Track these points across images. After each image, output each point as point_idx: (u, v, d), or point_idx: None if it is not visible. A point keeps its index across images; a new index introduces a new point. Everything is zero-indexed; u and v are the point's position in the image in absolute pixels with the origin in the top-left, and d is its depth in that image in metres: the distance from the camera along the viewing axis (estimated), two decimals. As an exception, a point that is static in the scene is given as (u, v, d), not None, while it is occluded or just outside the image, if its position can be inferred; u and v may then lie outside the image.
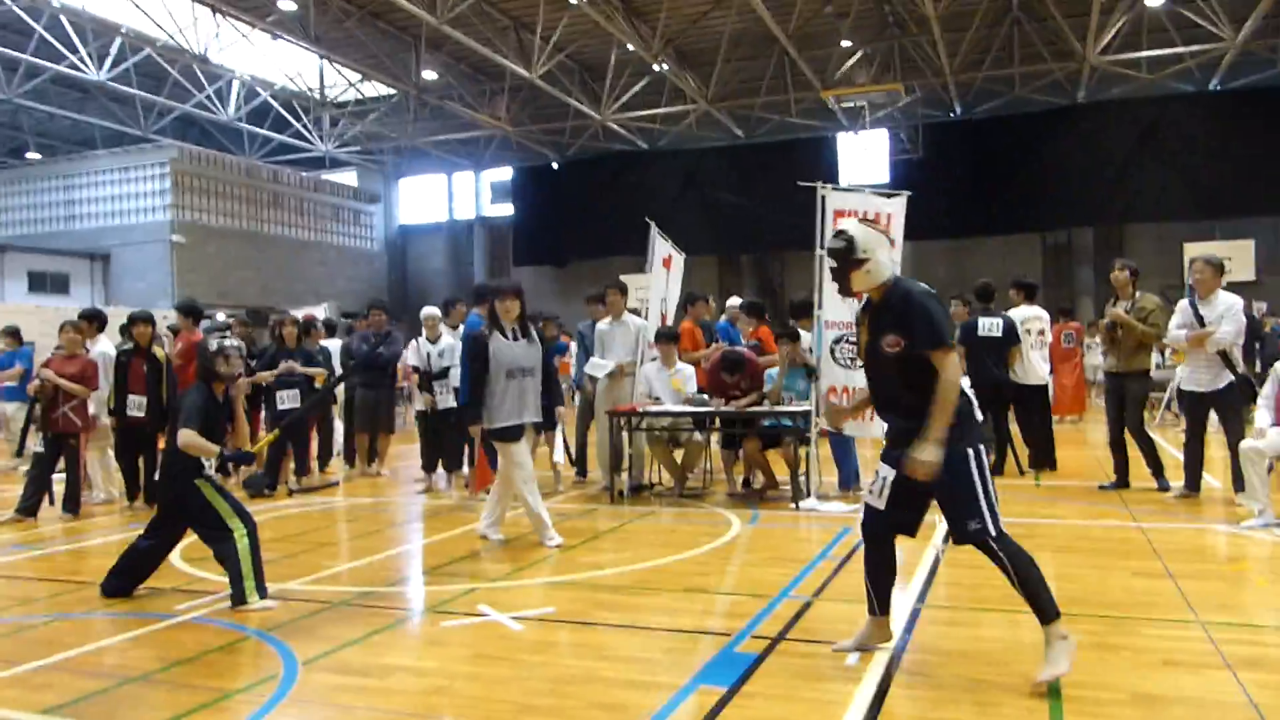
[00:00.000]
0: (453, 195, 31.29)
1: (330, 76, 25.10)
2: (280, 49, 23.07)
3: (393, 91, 26.02)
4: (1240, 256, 21.83)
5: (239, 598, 5.05)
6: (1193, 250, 22.46)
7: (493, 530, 6.73)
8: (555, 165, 28.87)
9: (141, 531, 5.46)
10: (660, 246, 9.11)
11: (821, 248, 7.93)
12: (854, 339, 7.85)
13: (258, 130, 26.49)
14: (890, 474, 3.84)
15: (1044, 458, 9.37)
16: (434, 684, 3.86)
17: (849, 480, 8.26)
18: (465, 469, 9.63)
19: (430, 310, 9.84)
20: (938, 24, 19.12)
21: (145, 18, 20.18)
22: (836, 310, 7.89)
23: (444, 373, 9.54)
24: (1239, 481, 7.30)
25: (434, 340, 9.69)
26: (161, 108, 25.38)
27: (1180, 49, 20.97)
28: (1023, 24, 22.39)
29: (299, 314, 11.70)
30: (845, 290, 3.97)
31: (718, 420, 8.47)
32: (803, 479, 8.02)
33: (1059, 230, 24.65)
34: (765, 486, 8.42)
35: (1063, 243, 24.88)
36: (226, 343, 5.43)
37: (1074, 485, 8.63)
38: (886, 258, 3.92)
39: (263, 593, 5.11)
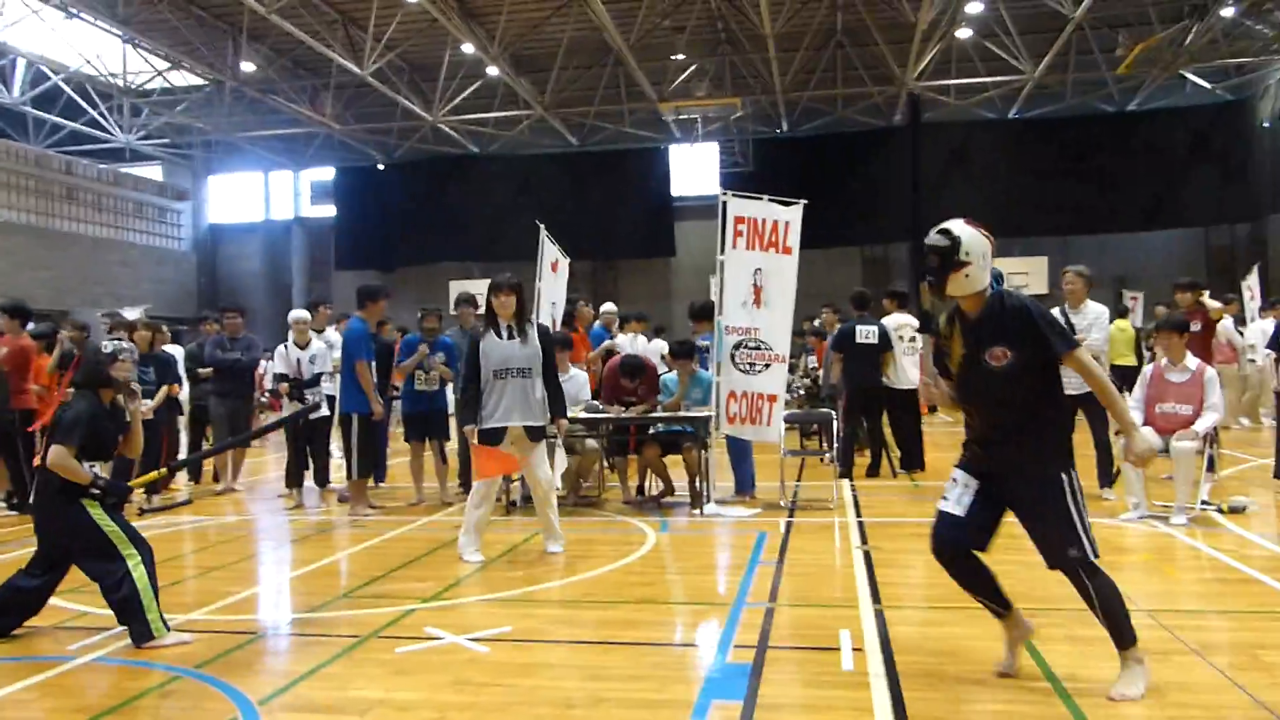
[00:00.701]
0: (269, 194, 29.54)
1: (134, 62, 23.14)
2: (75, 28, 21.08)
3: (204, 82, 24.32)
4: (1035, 271, 23.79)
5: (144, 634, 4.44)
6: (999, 265, 24.27)
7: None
8: (381, 166, 27.83)
9: (21, 568, 4.76)
10: (549, 250, 8.91)
11: (720, 253, 8.00)
12: (754, 344, 7.94)
13: (46, 116, 24.03)
14: (974, 484, 3.71)
15: (915, 460, 9.78)
16: (426, 718, 3.54)
17: (745, 484, 8.32)
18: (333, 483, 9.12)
19: (299, 314, 9.21)
20: (773, 42, 19.79)
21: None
22: (736, 315, 7.95)
23: (315, 380, 8.94)
24: (1104, 478, 7.91)
25: (303, 345, 9.06)
26: (-70, 87, 22.67)
27: (985, 79, 22.69)
28: (846, 48, 23.59)
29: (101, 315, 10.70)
30: (938, 292, 3.67)
31: (612, 426, 8.33)
32: (699, 484, 8.03)
33: (877, 245, 26.05)
34: (663, 493, 8.35)
35: (880, 256, 26.29)
36: (120, 344, 4.84)
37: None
38: (988, 265, 3.65)
39: (166, 624, 4.54)
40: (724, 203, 7.87)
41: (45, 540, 4.71)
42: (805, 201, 8.07)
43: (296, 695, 3.79)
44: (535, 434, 6.25)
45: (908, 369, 9.69)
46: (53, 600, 4.93)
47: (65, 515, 4.58)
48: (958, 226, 3.66)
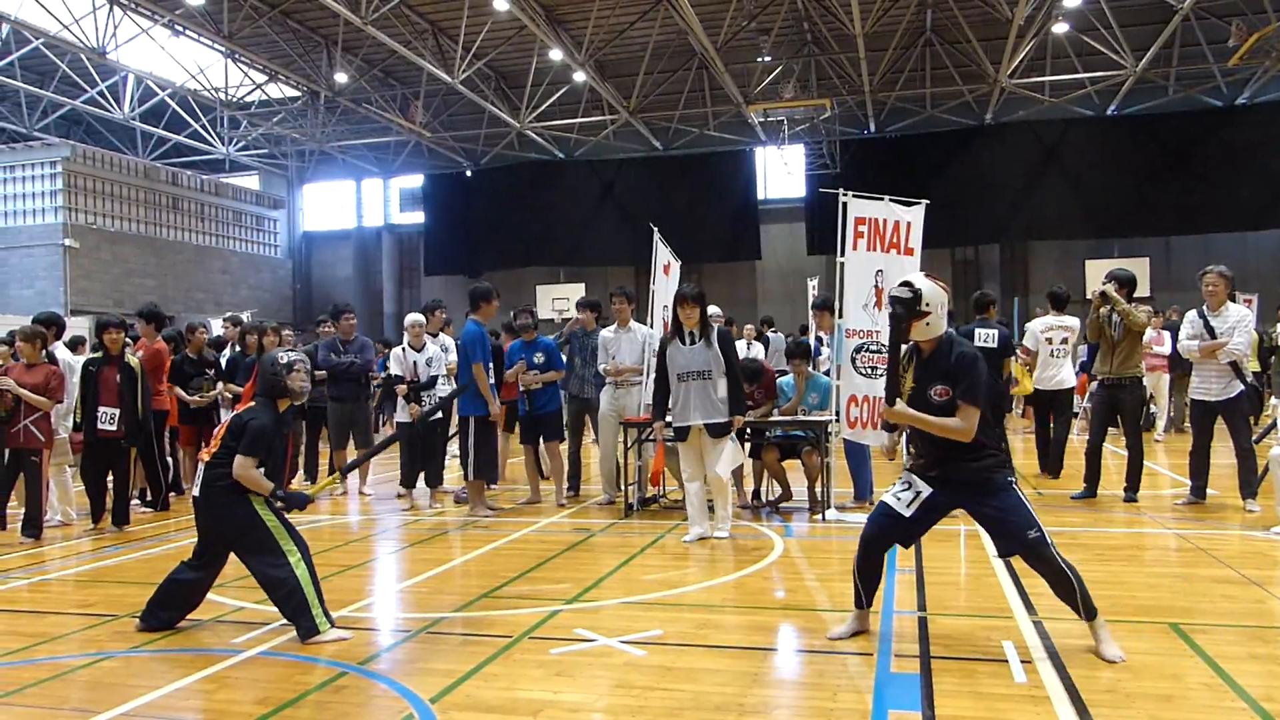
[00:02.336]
0: (361, 202, 30.21)
1: (233, 76, 23.90)
2: (179, 45, 21.87)
3: (299, 93, 25.01)
4: (1137, 273, 22.97)
5: (309, 629, 4.53)
6: (1094, 267, 23.64)
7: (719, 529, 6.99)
8: (468, 173, 28.23)
9: (183, 560, 4.91)
10: (661, 253, 8.88)
11: (841, 255, 7.89)
12: (875, 348, 7.81)
13: (153, 130, 24.99)
14: (927, 491, 4.23)
15: (1054, 465, 9.74)
16: None
17: (865, 491, 8.19)
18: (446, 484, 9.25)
19: (415, 317, 9.34)
20: (862, 41, 19.54)
21: (39, 8, 18.75)
22: (858, 319, 7.83)
23: (431, 382, 9.07)
24: (1246, 488, 7.58)
25: (419, 348, 9.20)
26: (48, 104, 23.71)
27: (1082, 75, 22.08)
28: (936, 46, 23.19)
29: (215, 323, 11.06)
30: (900, 337, 4.25)
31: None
32: (818, 490, 7.94)
33: (968, 246, 25.52)
34: (781, 498, 8.27)
35: (971, 258, 25.77)
36: (294, 355, 4.88)
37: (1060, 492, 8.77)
38: (944, 314, 4.23)
39: (329, 619, 4.61)
40: (844, 204, 7.74)
41: (208, 534, 4.80)
42: (926, 202, 7.91)
43: (466, 695, 3.82)
44: (715, 430, 6.75)
45: (1058, 369, 9.67)
46: (210, 595, 5.08)
47: (231, 511, 4.66)
48: (919, 280, 4.24)
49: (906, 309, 4.16)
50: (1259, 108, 23.21)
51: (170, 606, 4.82)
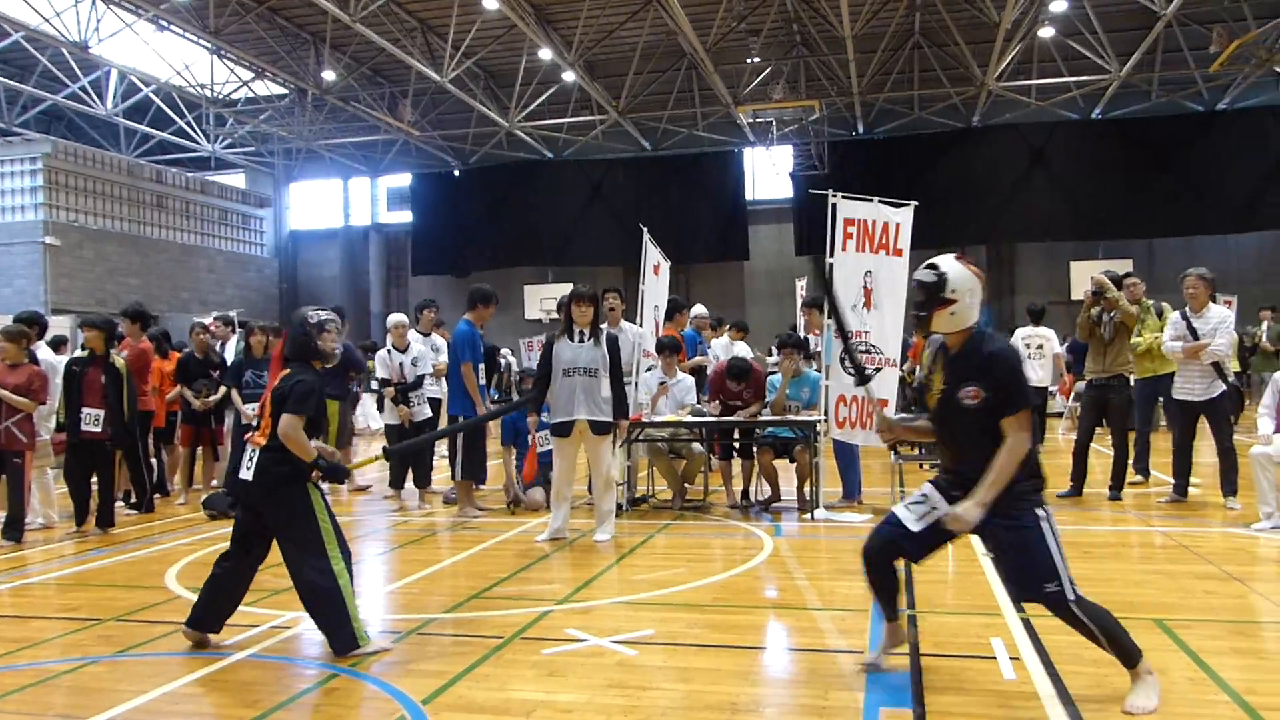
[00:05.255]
0: (348, 201, 30.09)
1: (219, 73, 23.77)
2: (163, 41, 21.73)
3: (286, 91, 24.89)
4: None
5: (348, 642, 4.28)
6: (1079, 269, 23.80)
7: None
8: (456, 173, 28.17)
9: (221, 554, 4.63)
10: (651, 253, 8.89)
11: (830, 256, 7.91)
12: (864, 348, 7.85)
13: (137, 126, 24.82)
14: (943, 509, 3.69)
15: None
16: None
17: (854, 491, 8.22)
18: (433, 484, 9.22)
19: (397, 318, 9.32)
20: (851, 43, 19.60)
21: (19, 1, 18.58)
22: (846, 319, 7.84)
23: (418, 383, 9.05)
24: (1228, 485, 7.67)
25: (403, 349, 9.18)
26: (28, 99, 23.52)
27: (1068, 79, 22.21)
28: (924, 48, 23.29)
29: (207, 320, 11.01)
30: (923, 327, 3.73)
31: (719, 431, 8.30)
32: (807, 489, 7.97)
33: (954, 248, 25.54)
34: (770, 499, 8.29)
35: (958, 260, 25.86)
36: (324, 315, 4.58)
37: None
38: (975, 303, 3.66)
39: (366, 633, 4.38)
40: (833, 205, 7.77)
41: (255, 521, 4.48)
42: (916, 203, 7.95)
43: (457, 696, 3.82)
44: (598, 428, 6.82)
45: (1034, 371, 11.37)
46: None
47: (287, 498, 4.36)
48: (946, 263, 3.69)
49: (929, 294, 3.63)
50: (1239, 113, 23.42)
51: (217, 604, 4.52)
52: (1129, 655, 3.54)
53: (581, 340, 6.88)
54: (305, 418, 4.32)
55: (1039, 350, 11.93)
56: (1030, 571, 3.54)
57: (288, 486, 4.36)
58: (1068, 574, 3.53)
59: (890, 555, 3.91)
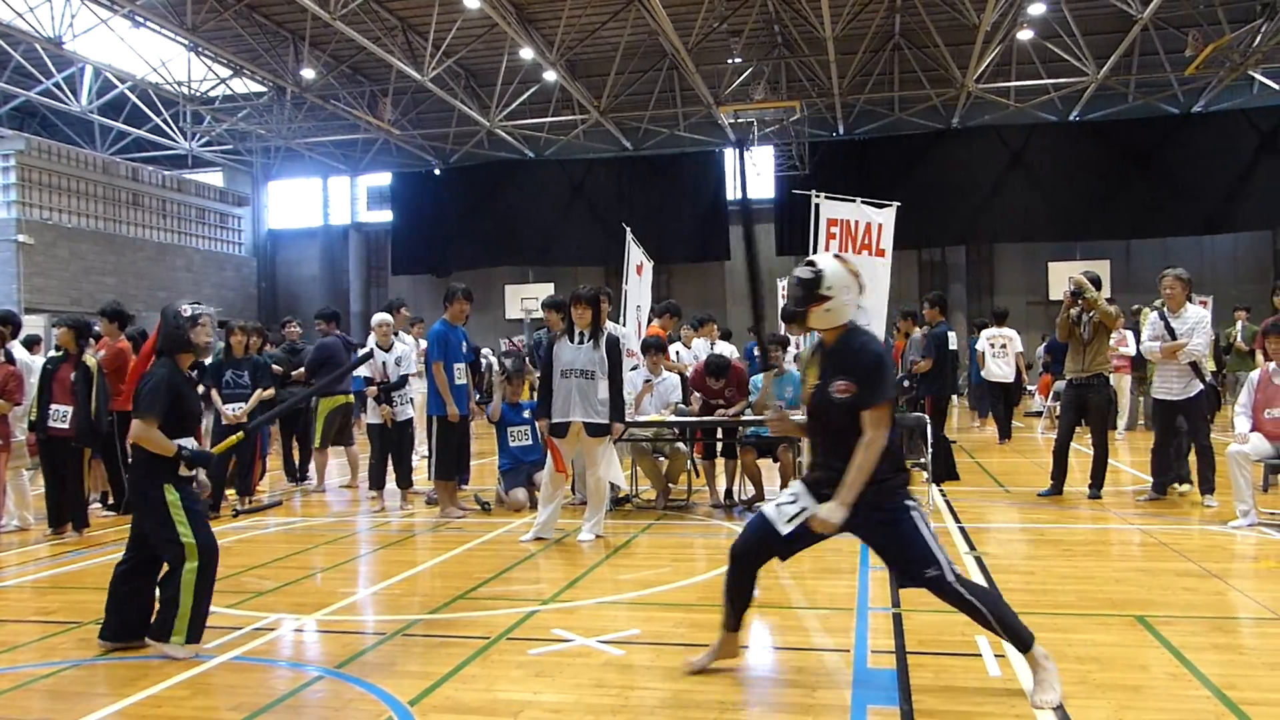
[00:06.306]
0: (327, 200, 29.91)
1: (197, 70, 23.57)
2: (140, 38, 21.53)
3: (264, 89, 24.73)
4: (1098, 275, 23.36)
5: (162, 631, 4.32)
6: (1057, 269, 24.01)
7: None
8: (437, 172, 28.07)
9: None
10: (634, 254, 8.88)
11: (813, 255, 7.91)
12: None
13: (112, 124, 24.57)
14: (813, 508, 3.66)
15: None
16: None
17: (836, 490, 8.22)
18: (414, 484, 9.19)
19: (383, 316, 9.26)
20: (832, 44, 19.68)
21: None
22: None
23: (401, 382, 9.01)
24: (1205, 484, 7.76)
25: (387, 348, 9.12)
26: (0, 95, 23.20)
27: (1046, 81, 22.40)
28: (904, 50, 23.42)
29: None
30: (798, 322, 3.78)
31: (703, 430, 8.31)
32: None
33: (934, 248, 25.80)
34: (754, 498, 8.30)
35: (938, 260, 26.05)
36: (200, 308, 4.61)
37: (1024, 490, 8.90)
38: (850, 300, 3.71)
39: (193, 637, 4.33)
40: (816, 205, 7.80)
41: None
42: (898, 204, 7.99)
43: (445, 696, 3.80)
44: (594, 430, 6.82)
45: (999, 366, 13.76)
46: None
47: (147, 495, 4.42)
48: (824, 260, 3.75)
49: (806, 291, 3.67)
50: (1214, 116, 23.72)
51: (130, 614, 4.51)
52: (1021, 638, 3.59)
53: (581, 342, 6.87)
54: (156, 419, 4.37)
55: (1003, 349, 13.73)
56: (911, 561, 3.61)
57: (147, 486, 4.42)
58: (945, 556, 3.61)
59: (761, 557, 3.89)
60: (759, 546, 3.84)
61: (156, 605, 4.42)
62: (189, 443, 4.49)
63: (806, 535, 3.72)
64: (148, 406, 4.36)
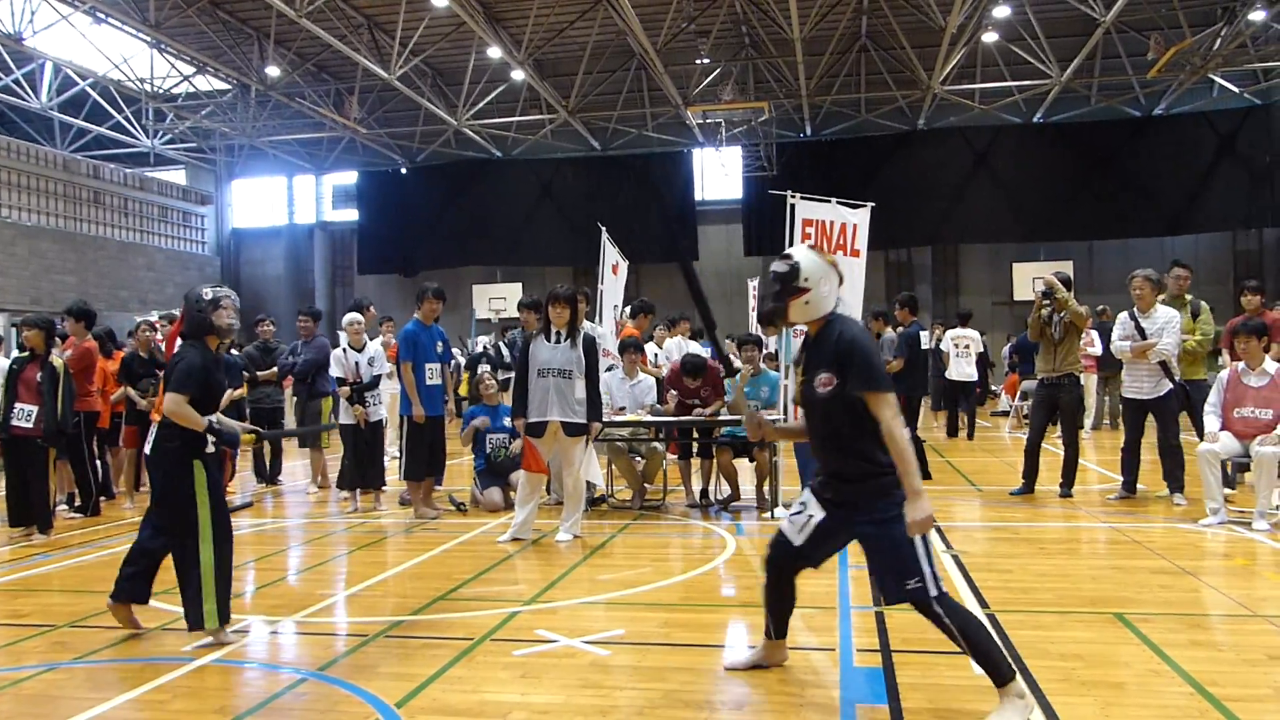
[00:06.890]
0: (292, 199, 29.57)
1: (159, 67, 23.21)
2: (102, 34, 21.16)
3: (228, 86, 24.40)
4: (1061, 276, 23.69)
5: (196, 620, 4.45)
6: (1021, 270, 24.31)
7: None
8: (403, 170, 27.86)
9: (140, 526, 4.80)
10: (609, 253, 8.87)
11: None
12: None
13: (73, 121, 24.13)
14: (820, 515, 3.63)
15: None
16: (573, 720, 3.52)
17: (812, 489, 8.27)
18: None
19: (354, 316, 9.14)
20: (800, 46, 19.79)
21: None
22: (805, 319, 7.90)
23: (375, 382, 8.91)
24: (1174, 482, 7.88)
25: (359, 348, 9.02)
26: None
27: (1010, 83, 22.68)
28: (871, 52, 23.60)
29: (152, 318, 10.80)
30: (780, 317, 3.63)
31: (679, 430, 8.32)
32: (766, 489, 8.02)
33: (900, 249, 26.01)
34: (730, 498, 8.32)
35: (904, 261, 26.27)
36: (220, 291, 4.70)
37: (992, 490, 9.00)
38: (830, 291, 3.59)
39: (224, 618, 4.50)
40: (792, 205, 7.83)
41: (154, 493, 4.71)
42: (873, 204, 8.04)
43: (432, 698, 3.77)
44: (571, 430, 6.79)
45: (962, 366, 14.20)
46: (151, 602, 4.91)
47: (173, 472, 4.52)
48: (799, 252, 3.65)
49: (782, 285, 3.56)
50: (1174, 118, 24.12)
51: (140, 577, 4.71)
52: (999, 672, 3.34)
53: (558, 341, 6.85)
54: (189, 395, 4.45)
55: (966, 350, 14.31)
56: (894, 570, 3.43)
57: (176, 462, 4.51)
58: (932, 570, 3.40)
59: (788, 572, 3.85)
60: (782, 561, 3.82)
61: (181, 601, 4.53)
62: (216, 419, 4.63)
63: (822, 548, 3.72)
64: (181, 383, 4.45)
